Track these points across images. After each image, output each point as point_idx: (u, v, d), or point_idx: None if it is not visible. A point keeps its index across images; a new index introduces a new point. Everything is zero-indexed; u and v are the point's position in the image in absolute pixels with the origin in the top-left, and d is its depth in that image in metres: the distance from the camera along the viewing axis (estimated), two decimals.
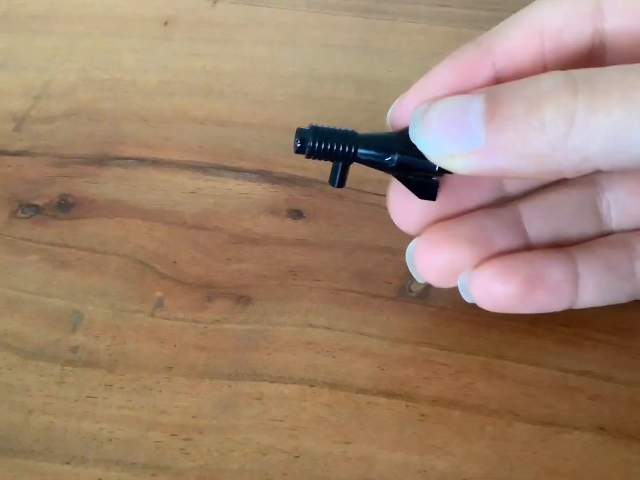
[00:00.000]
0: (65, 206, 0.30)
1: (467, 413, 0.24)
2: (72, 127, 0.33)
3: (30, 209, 0.30)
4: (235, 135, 0.32)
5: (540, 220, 0.25)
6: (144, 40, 0.37)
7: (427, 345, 0.25)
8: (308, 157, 0.22)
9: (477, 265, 0.23)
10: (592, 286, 0.24)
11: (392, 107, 0.23)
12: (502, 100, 0.19)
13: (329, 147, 0.22)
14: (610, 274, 0.24)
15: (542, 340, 0.25)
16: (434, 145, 0.20)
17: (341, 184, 0.23)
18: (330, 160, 0.22)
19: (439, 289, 0.26)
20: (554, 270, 0.23)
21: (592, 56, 0.22)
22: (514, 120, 0.19)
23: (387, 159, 0.22)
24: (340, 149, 0.22)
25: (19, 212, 0.29)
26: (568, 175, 0.19)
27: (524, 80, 0.20)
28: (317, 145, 0.22)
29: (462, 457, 0.23)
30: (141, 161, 0.31)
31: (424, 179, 0.22)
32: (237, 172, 0.31)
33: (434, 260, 0.24)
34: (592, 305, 0.25)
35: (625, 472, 0.22)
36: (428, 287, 0.27)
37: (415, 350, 0.25)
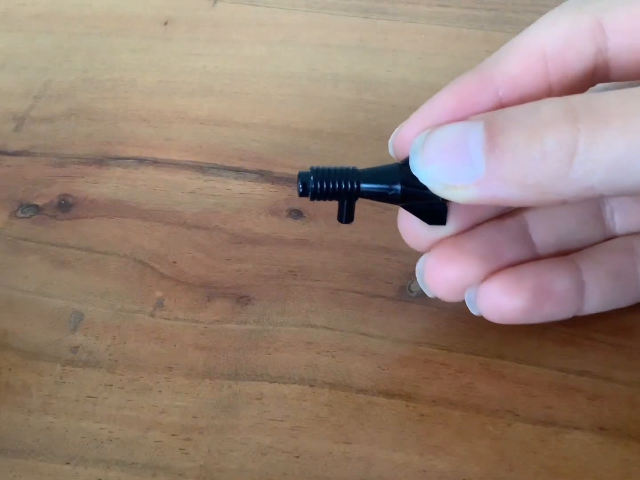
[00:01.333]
0: (65, 206, 0.30)
1: (467, 413, 0.24)
2: (72, 127, 0.33)
3: (30, 209, 0.30)
4: (235, 135, 0.32)
5: (545, 228, 0.24)
6: (144, 40, 0.37)
7: (427, 345, 0.25)
8: (312, 199, 0.22)
9: (484, 280, 0.23)
10: (597, 294, 0.24)
11: (392, 134, 0.23)
12: (502, 129, 0.19)
13: (331, 186, 0.22)
14: (614, 280, 0.24)
15: (542, 340, 0.25)
16: (434, 177, 0.20)
17: (349, 219, 0.23)
18: (335, 200, 0.23)
19: None
20: (560, 282, 0.23)
21: (596, 75, 0.22)
22: (513, 152, 0.19)
23: (390, 192, 0.22)
24: (343, 187, 0.22)
25: (19, 212, 0.29)
26: (571, 202, 0.19)
27: (523, 107, 0.19)
28: (319, 186, 0.22)
29: (462, 457, 0.23)
30: (141, 161, 0.31)
31: (431, 205, 0.22)
32: (237, 172, 0.31)
33: (444, 276, 0.24)
34: (597, 311, 0.25)
35: (625, 472, 0.22)
36: None
37: (415, 350, 0.25)
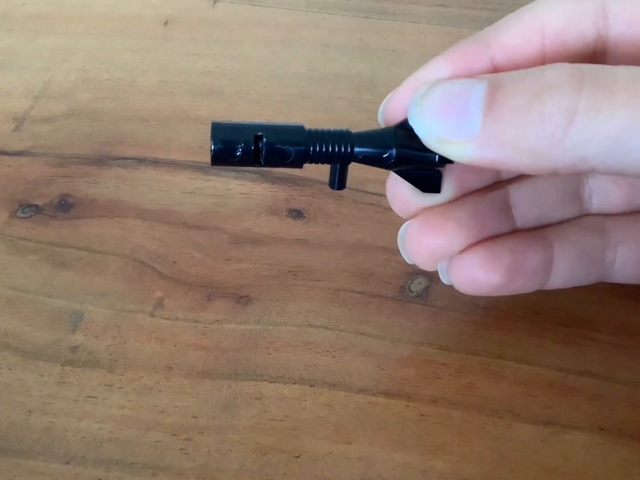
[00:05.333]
0: (65, 206, 0.30)
1: (467, 413, 0.24)
2: (72, 127, 0.33)
3: (30, 209, 0.30)
4: None
5: (527, 203, 0.25)
6: (144, 40, 0.37)
7: (427, 345, 0.25)
8: (305, 162, 0.22)
9: (461, 251, 0.23)
10: (563, 271, 0.24)
11: (383, 102, 0.23)
12: (504, 89, 0.19)
13: (324, 149, 0.21)
14: (581, 260, 0.24)
15: (542, 340, 0.25)
16: (431, 129, 0.20)
17: (341, 185, 0.23)
18: (327, 163, 0.22)
19: (439, 289, 0.26)
20: (533, 259, 0.24)
21: (593, 61, 0.21)
22: (512, 112, 0.18)
23: (385, 155, 0.22)
24: (336, 149, 0.21)
25: (19, 212, 0.29)
26: (563, 172, 0.19)
27: (530, 69, 0.19)
28: (311, 149, 0.21)
29: (462, 457, 0.23)
30: (141, 161, 0.31)
31: (425, 171, 0.22)
32: (237, 172, 0.31)
33: (426, 244, 0.24)
34: (560, 287, 0.25)
35: (625, 472, 0.22)
36: (428, 287, 0.27)
37: (415, 350, 0.25)
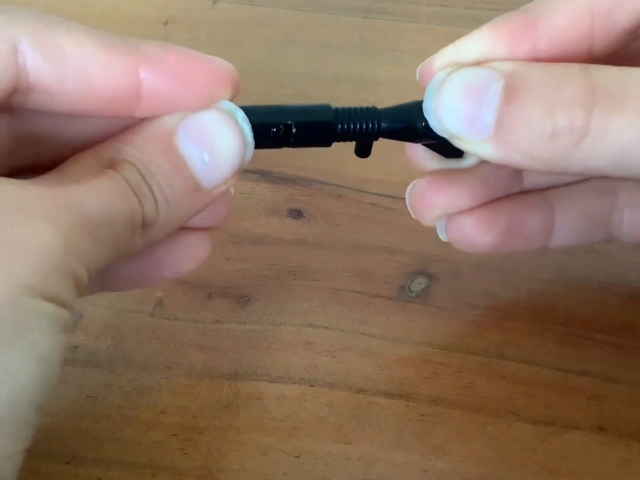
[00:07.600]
0: None
1: (467, 413, 0.24)
2: None
3: None
4: None
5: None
6: (144, 40, 0.37)
7: (427, 345, 0.25)
8: (333, 141, 0.22)
9: (461, 212, 0.24)
10: (565, 232, 0.24)
11: (420, 65, 0.22)
12: (520, 97, 0.19)
13: (352, 127, 0.22)
14: (586, 222, 0.25)
15: (542, 340, 0.25)
16: (444, 126, 0.20)
17: (366, 154, 0.23)
18: (356, 140, 0.22)
19: (439, 289, 0.26)
20: (531, 221, 0.24)
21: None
22: (525, 123, 0.19)
23: (411, 131, 0.22)
24: (364, 127, 0.22)
25: None
26: (573, 175, 0.19)
27: (546, 76, 0.19)
28: (339, 128, 0.21)
29: (462, 457, 0.23)
30: None
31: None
32: None
33: (428, 200, 0.24)
34: (563, 247, 0.25)
35: (625, 472, 0.22)
36: (428, 287, 0.27)
37: (415, 350, 0.25)
